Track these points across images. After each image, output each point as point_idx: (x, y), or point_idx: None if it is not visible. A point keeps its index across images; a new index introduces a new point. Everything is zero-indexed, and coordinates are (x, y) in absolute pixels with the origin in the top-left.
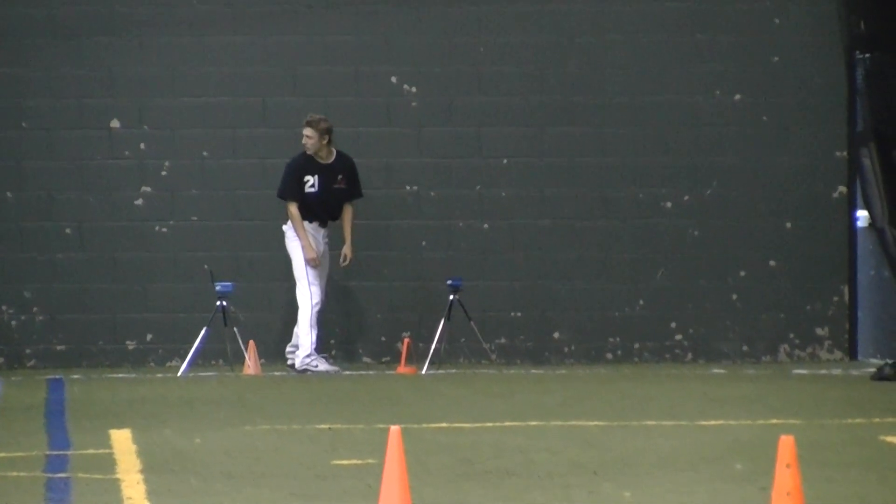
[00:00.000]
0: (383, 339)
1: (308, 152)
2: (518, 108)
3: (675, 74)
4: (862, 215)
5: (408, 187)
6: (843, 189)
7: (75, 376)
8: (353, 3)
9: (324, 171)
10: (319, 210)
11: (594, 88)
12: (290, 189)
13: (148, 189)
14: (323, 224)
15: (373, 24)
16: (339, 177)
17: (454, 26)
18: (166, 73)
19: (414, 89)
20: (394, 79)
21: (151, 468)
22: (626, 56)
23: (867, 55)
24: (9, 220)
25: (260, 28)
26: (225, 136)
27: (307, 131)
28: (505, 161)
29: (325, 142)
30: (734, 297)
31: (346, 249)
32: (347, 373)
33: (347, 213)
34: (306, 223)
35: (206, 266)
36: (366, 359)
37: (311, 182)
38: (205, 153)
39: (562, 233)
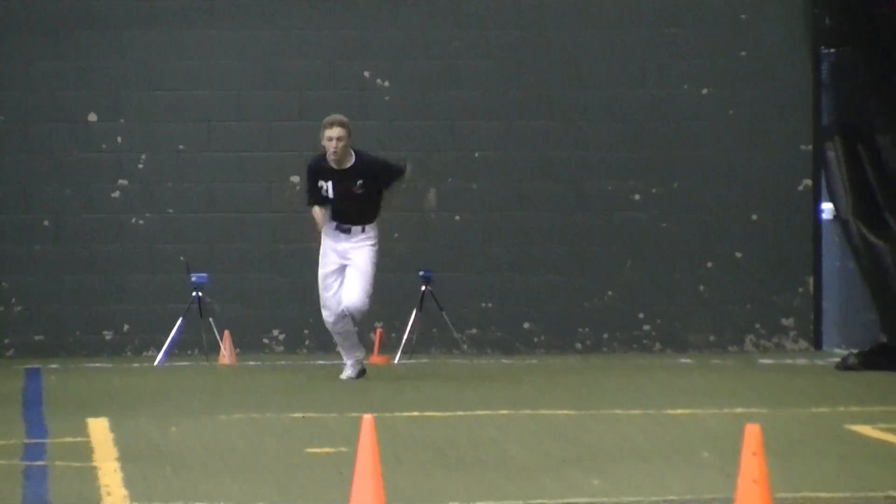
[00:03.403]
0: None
1: (335, 157)
2: (490, 103)
3: (645, 70)
4: (827, 207)
5: (358, 181)
6: (808, 182)
7: (53, 366)
8: None
9: (337, 177)
10: (337, 212)
11: (566, 83)
12: (310, 195)
13: (125, 182)
14: (345, 230)
15: (347, 18)
16: (359, 182)
17: (428, 21)
18: (142, 67)
19: (387, 84)
20: (366, 73)
21: (128, 457)
22: (598, 52)
23: (832, 50)
24: None
25: (235, 22)
26: (200, 129)
27: (336, 132)
28: (476, 154)
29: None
30: (701, 288)
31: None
32: (321, 362)
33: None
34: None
35: (181, 258)
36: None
37: (325, 188)
38: (181, 146)
39: (532, 225)
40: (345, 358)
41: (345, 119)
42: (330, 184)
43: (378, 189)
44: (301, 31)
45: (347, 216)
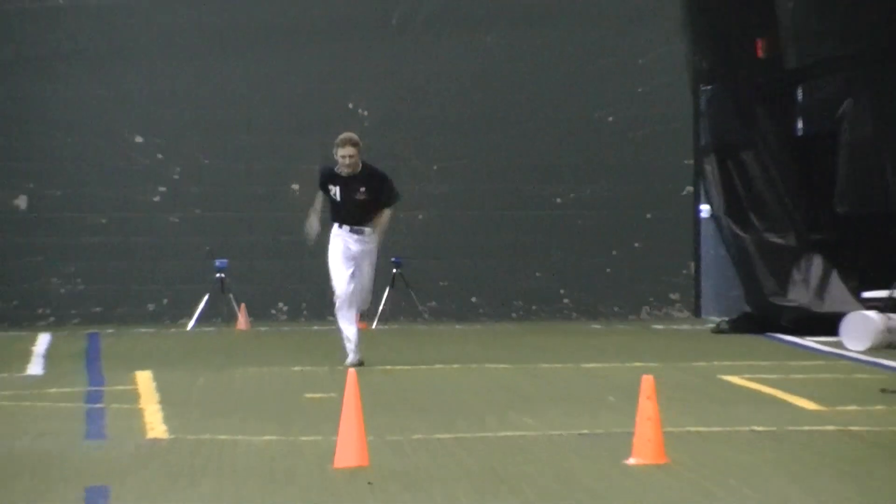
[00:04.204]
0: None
1: (346, 171)
2: (447, 124)
3: (567, 101)
4: (705, 208)
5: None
6: (690, 188)
7: (108, 331)
8: (317, 33)
9: (344, 183)
10: (345, 215)
11: (507, 108)
12: (319, 187)
13: (163, 189)
14: (354, 231)
15: (333, 52)
16: (361, 189)
17: (399, 57)
18: (177, 97)
19: (366, 112)
20: (350, 105)
21: (166, 401)
22: (530, 85)
23: (708, 87)
24: (58, 211)
25: (244, 52)
26: (219, 144)
27: (349, 150)
28: (435, 167)
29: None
30: (609, 270)
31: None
32: (316, 328)
33: (382, 215)
34: (336, 226)
35: (207, 247)
36: (329, 317)
37: (333, 191)
38: (206, 161)
39: (479, 221)
40: (347, 348)
41: (356, 138)
42: (338, 188)
43: (377, 197)
44: (298, 62)
45: (355, 218)
